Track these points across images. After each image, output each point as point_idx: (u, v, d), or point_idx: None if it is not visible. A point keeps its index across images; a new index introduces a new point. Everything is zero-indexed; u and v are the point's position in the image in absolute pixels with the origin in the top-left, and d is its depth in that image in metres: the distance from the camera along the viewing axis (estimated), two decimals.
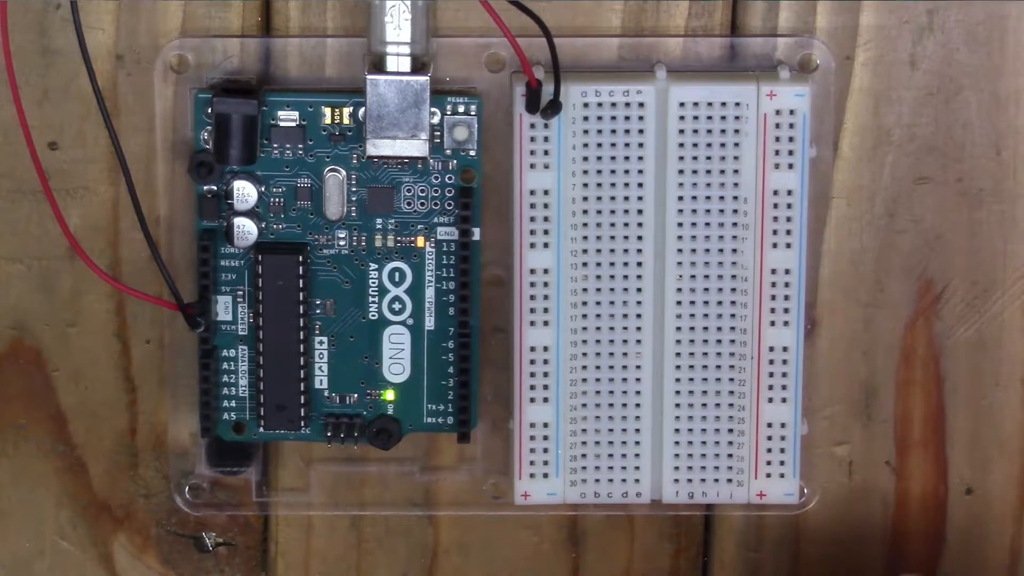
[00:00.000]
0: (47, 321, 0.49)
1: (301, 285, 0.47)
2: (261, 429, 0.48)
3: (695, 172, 0.47)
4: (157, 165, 0.48)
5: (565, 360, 0.48)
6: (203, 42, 0.47)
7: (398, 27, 0.46)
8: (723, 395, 0.48)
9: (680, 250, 0.47)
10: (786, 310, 0.48)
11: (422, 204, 0.48)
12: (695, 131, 0.47)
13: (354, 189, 0.48)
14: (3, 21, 0.45)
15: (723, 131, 0.47)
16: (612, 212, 0.47)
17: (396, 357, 0.48)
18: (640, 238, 0.47)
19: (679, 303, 0.47)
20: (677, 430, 0.48)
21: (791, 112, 0.47)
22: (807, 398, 0.49)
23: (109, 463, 0.50)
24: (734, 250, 0.47)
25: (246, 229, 0.47)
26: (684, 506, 0.50)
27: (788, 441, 0.48)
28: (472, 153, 0.48)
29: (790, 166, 0.47)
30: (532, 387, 0.48)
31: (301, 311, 0.47)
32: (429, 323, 0.48)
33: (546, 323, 0.47)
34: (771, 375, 0.48)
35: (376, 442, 0.49)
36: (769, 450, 0.48)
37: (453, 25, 0.47)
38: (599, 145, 0.47)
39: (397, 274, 0.48)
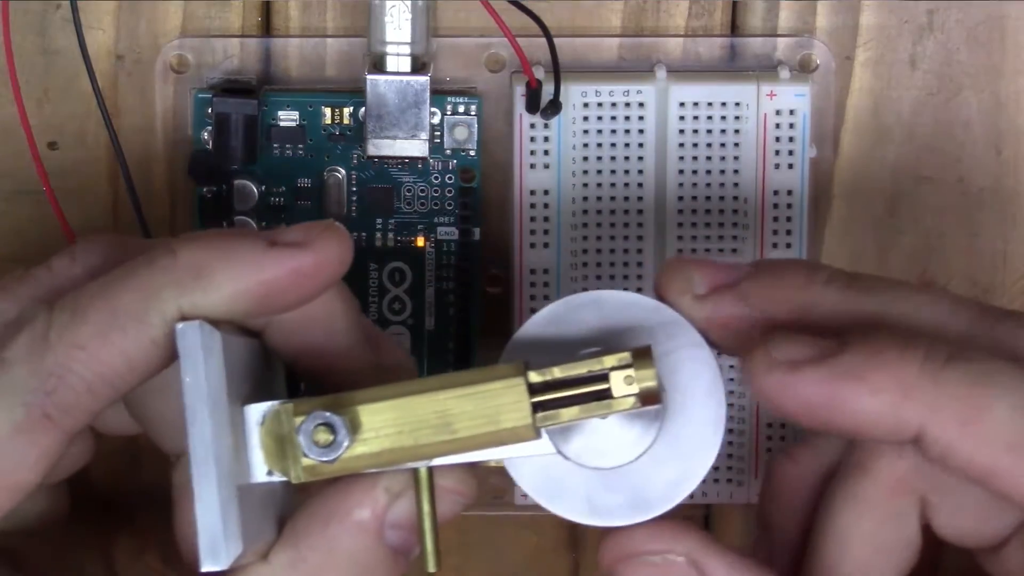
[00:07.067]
0: None
1: None
2: None
3: (695, 172, 0.47)
4: (157, 165, 0.48)
5: None
6: (203, 42, 0.47)
7: (398, 27, 0.46)
8: None
9: (680, 250, 0.47)
10: None
11: (422, 204, 0.48)
12: (695, 131, 0.47)
13: (354, 189, 0.48)
14: (4, 21, 0.45)
15: (723, 131, 0.47)
16: (612, 212, 0.47)
17: None
18: (640, 238, 0.47)
19: None
20: None
21: (791, 112, 0.47)
22: None
23: (109, 463, 0.50)
24: (734, 250, 0.47)
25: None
26: (684, 506, 0.50)
27: (788, 441, 0.48)
28: (472, 153, 0.48)
29: (790, 166, 0.47)
30: None
31: None
32: (429, 323, 0.48)
33: None
34: None
35: None
36: (769, 450, 0.48)
37: (453, 25, 0.47)
38: (599, 145, 0.47)
39: (397, 274, 0.48)
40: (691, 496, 0.48)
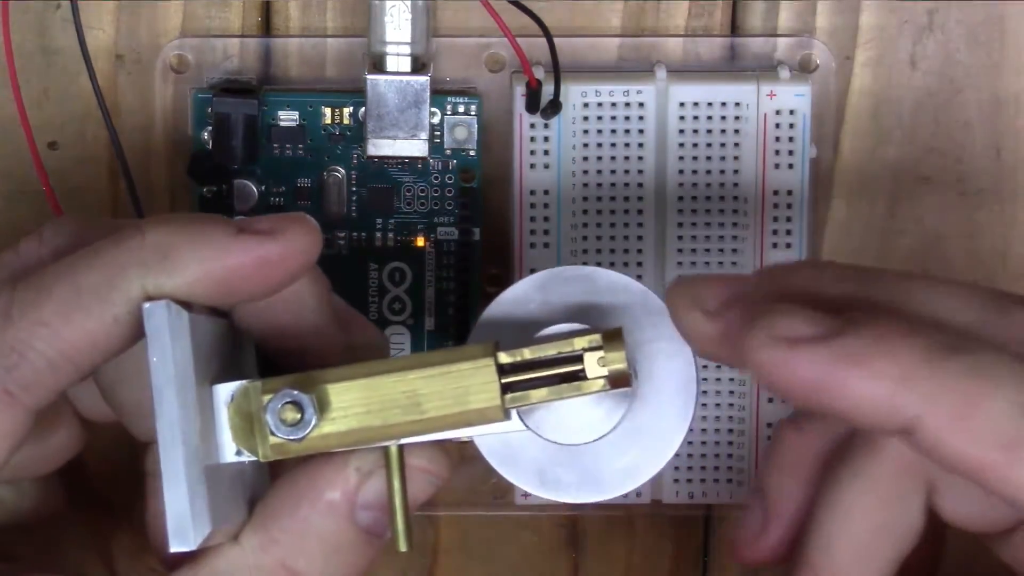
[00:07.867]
0: None
1: None
2: None
3: (695, 172, 0.47)
4: (157, 165, 0.48)
5: None
6: (203, 42, 0.47)
7: (398, 27, 0.46)
8: (723, 395, 0.48)
9: (680, 250, 0.47)
10: None
11: (422, 204, 0.48)
12: (695, 131, 0.47)
13: (354, 189, 0.48)
14: (4, 21, 0.45)
15: (723, 131, 0.47)
16: (612, 212, 0.47)
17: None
18: (640, 238, 0.47)
19: None
20: None
21: (791, 112, 0.47)
22: None
23: (109, 463, 0.50)
24: (734, 250, 0.47)
25: None
26: (684, 506, 0.50)
27: None
28: (472, 153, 0.48)
29: (790, 166, 0.47)
30: None
31: None
32: (429, 323, 0.48)
33: None
34: None
35: None
36: None
37: (453, 25, 0.47)
38: (599, 145, 0.47)
39: (397, 274, 0.48)
40: (691, 496, 0.49)
